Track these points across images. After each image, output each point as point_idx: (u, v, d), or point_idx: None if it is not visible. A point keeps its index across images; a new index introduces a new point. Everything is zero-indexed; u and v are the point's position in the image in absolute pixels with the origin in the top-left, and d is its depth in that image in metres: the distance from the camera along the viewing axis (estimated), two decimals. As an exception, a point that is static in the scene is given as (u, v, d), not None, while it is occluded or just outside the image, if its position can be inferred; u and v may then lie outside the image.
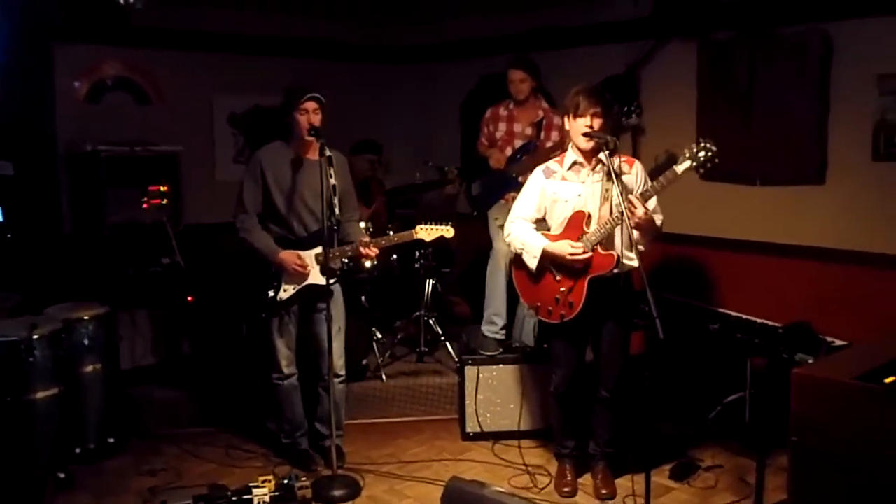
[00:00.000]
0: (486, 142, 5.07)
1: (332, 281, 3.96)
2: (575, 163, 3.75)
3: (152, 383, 5.01)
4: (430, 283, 5.41)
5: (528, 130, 4.92)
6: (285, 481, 3.74)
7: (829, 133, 4.58)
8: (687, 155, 3.46)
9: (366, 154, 5.65)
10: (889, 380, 2.60)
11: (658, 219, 3.69)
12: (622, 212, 3.42)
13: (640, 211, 3.47)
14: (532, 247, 3.77)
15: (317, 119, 3.90)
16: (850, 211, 4.54)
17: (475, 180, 5.14)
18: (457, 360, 4.86)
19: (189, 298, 5.18)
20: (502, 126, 4.97)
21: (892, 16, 4.28)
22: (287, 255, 3.97)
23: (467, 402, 4.60)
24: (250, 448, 4.48)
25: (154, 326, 5.33)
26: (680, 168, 3.46)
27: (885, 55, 4.33)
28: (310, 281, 4.01)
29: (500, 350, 4.72)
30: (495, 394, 4.60)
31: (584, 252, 3.61)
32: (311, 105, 3.90)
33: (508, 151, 4.94)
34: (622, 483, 3.98)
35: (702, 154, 3.43)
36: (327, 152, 3.77)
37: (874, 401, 2.51)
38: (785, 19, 4.69)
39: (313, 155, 3.98)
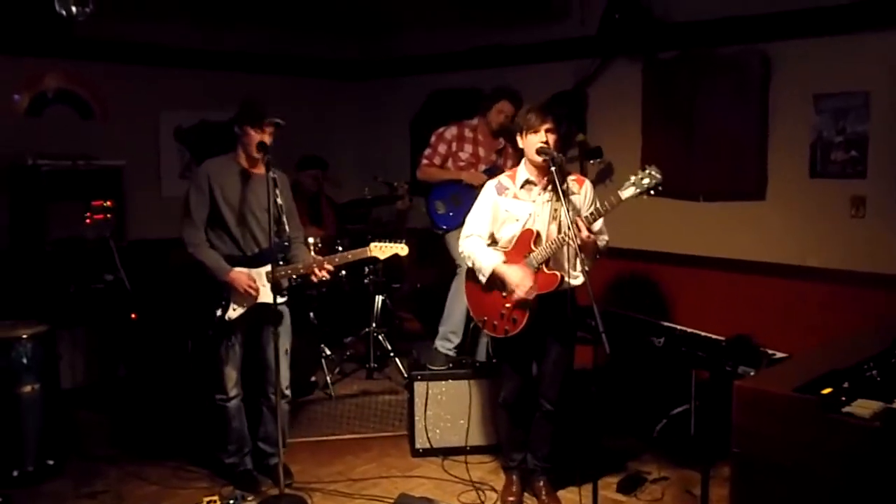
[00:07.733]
0: (437, 162, 4.92)
1: (281, 300, 3.93)
2: (527, 181, 3.77)
3: (94, 403, 4.91)
4: (379, 298, 5.39)
5: (493, 157, 4.94)
6: (231, 502, 3.68)
7: (769, 150, 4.72)
8: (632, 181, 3.53)
9: (310, 170, 5.65)
10: (826, 391, 2.67)
11: (603, 240, 3.75)
12: (567, 232, 3.48)
13: (584, 233, 3.52)
14: (483, 266, 3.80)
15: (269, 139, 3.90)
16: (789, 226, 4.67)
17: (437, 198, 4.96)
18: (406, 376, 4.84)
19: (132, 316, 5.08)
20: (468, 147, 4.91)
21: (827, 37, 4.44)
22: (238, 275, 3.89)
23: (416, 417, 4.58)
24: (195, 469, 4.39)
25: (96, 345, 5.21)
26: (624, 194, 3.52)
27: (820, 75, 4.49)
28: (260, 300, 3.95)
29: (450, 365, 4.72)
30: (444, 409, 4.59)
31: (529, 293, 3.65)
32: (269, 129, 3.89)
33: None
34: (570, 497, 4.00)
35: (646, 181, 3.50)
36: (272, 173, 3.75)
37: (811, 411, 2.57)
38: (726, 40, 4.83)
39: (259, 170, 3.95)
